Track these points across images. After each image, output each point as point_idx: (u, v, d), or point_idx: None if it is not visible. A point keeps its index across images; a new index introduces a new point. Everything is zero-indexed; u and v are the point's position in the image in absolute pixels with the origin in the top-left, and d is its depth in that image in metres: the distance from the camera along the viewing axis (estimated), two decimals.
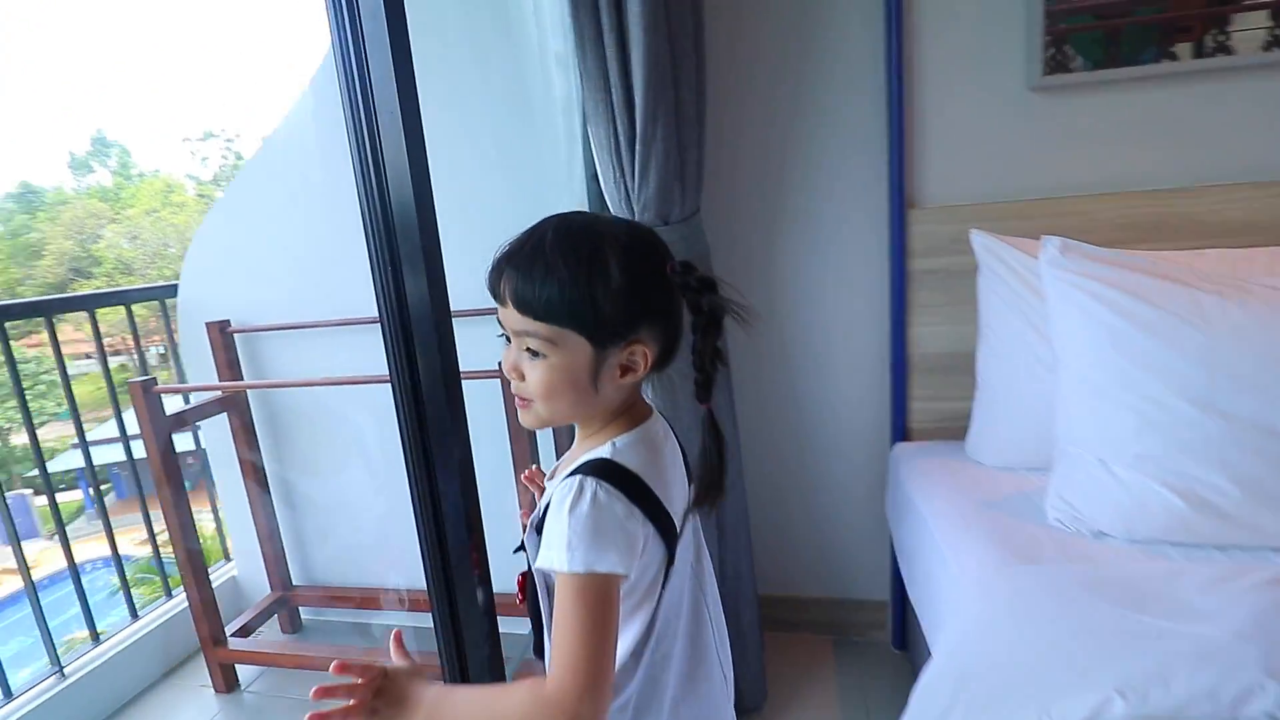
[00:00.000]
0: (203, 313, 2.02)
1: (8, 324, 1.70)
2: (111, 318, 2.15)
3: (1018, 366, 1.31)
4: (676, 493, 0.72)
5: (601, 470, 0.65)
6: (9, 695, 1.71)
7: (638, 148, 1.21)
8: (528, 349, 0.65)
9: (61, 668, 1.81)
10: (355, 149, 0.71)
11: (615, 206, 1.31)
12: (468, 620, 0.84)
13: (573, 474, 0.66)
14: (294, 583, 2.20)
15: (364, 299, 0.77)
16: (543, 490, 0.89)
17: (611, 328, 0.63)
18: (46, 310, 1.78)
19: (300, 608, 2.21)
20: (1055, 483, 1.16)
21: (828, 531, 1.77)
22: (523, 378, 0.67)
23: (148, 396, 1.71)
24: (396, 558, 2.02)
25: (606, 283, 0.62)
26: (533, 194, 1.61)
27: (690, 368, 0.68)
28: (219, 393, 2.00)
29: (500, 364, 0.71)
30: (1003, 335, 1.34)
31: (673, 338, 0.69)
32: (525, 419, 0.70)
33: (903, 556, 1.45)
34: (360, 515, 2.09)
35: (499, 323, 0.67)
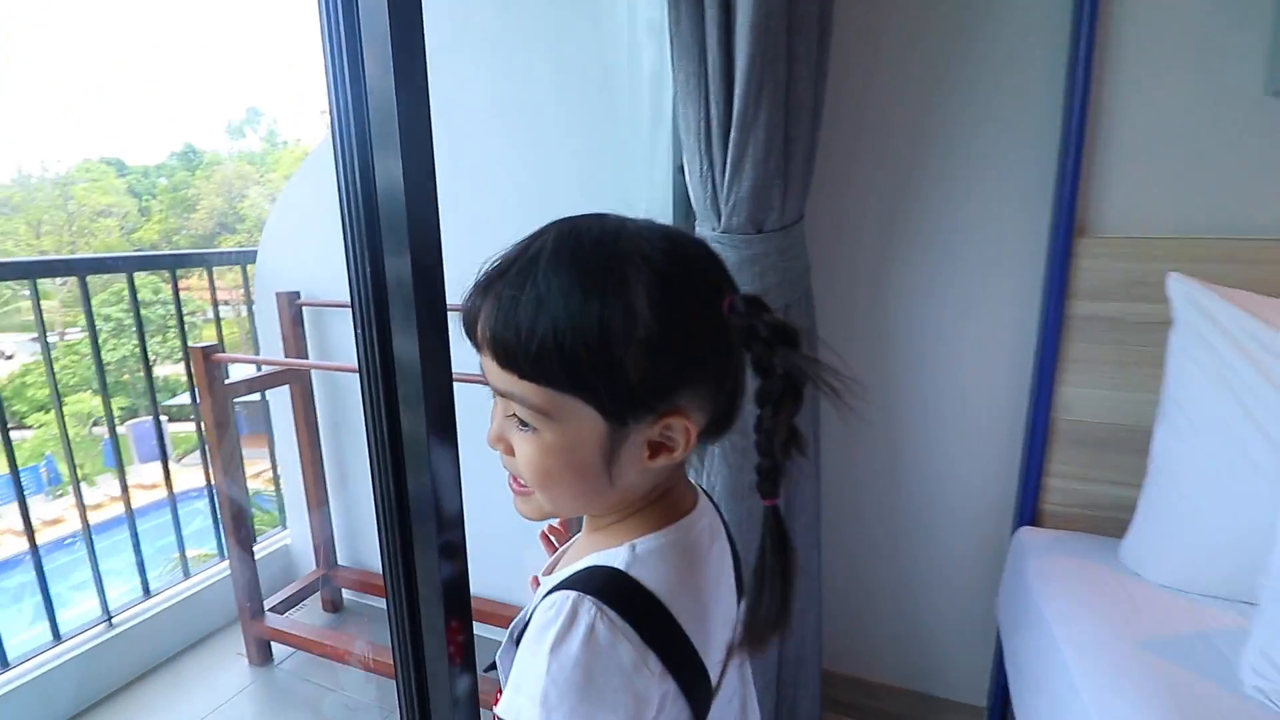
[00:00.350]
0: (277, 282, 1.99)
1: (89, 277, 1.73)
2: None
3: (1217, 462, 0.97)
4: (718, 626, 0.50)
5: (607, 589, 0.44)
6: (58, 638, 1.75)
7: (733, 134, 0.98)
8: (514, 415, 0.45)
9: (110, 617, 1.84)
10: (335, 105, 0.54)
11: (700, 206, 1.09)
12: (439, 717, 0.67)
13: (566, 584, 0.46)
14: (339, 562, 2.16)
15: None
16: (552, 569, 0.69)
17: (636, 395, 0.42)
18: (125, 267, 1.79)
19: (343, 589, 2.17)
20: (1260, 636, 0.83)
21: (916, 613, 1.47)
22: (510, 451, 0.48)
23: (207, 363, 1.68)
24: None
25: (630, 327, 0.41)
26: (609, 185, 1.42)
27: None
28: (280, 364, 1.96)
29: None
30: (1199, 417, 1.00)
31: (729, 403, 0.47)
32: (522, 508, 0.51)
33: (1014, 669, 1.14)
34: None
35: (482, 370, 0.48)
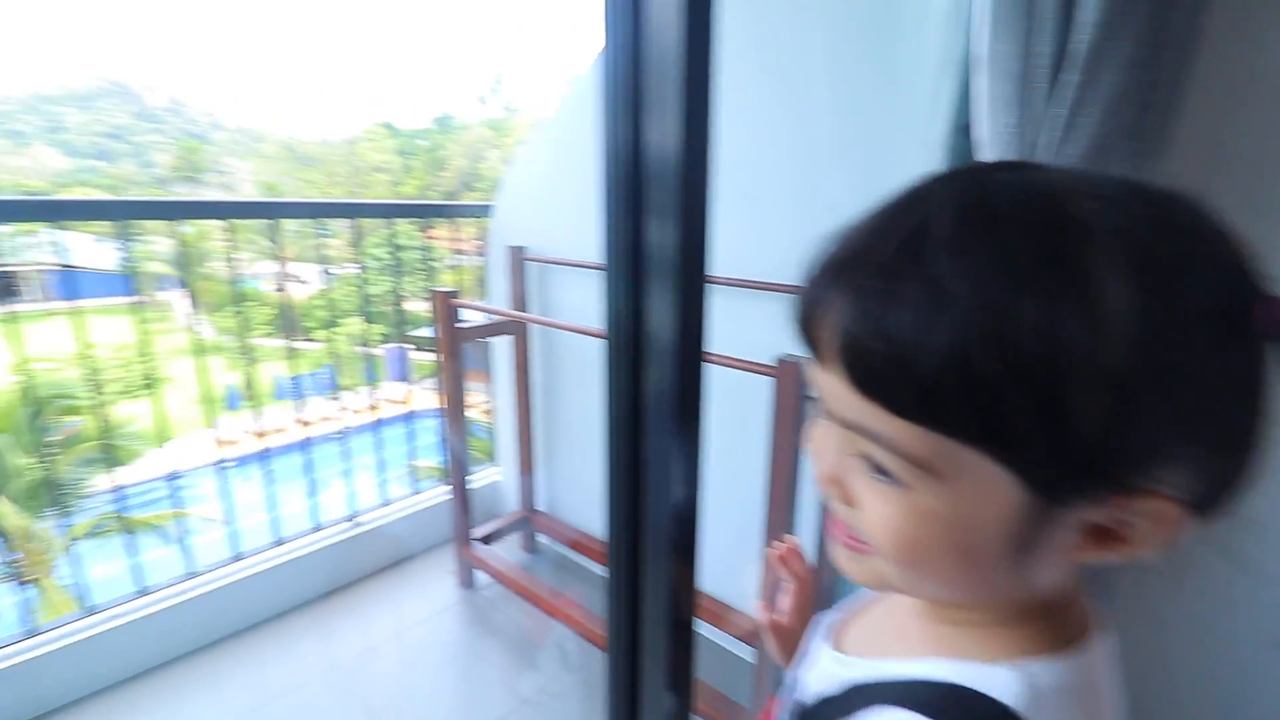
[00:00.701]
0: (507, 235, 2.10)
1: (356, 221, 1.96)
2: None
3: None
4: None
5: None
6: (318, 528, 2.07)
7: (1075, 75, 0.75)
8: (867, 457, 0.32)
9: (355, 515, 2.14)
10: (610, 51, 0.45)
11: None
12: None
13: (911, 701, 0.32)
14: (537, 508, 2.28)
15: None
16: (802, 616, 0.58)
17: (1089, 457, 0.27)
18: (391, 214, 2.00)
19: (538, 533, 2.30)
20: None
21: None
22: (851, 500, 0.34)
23: (446, 306, 1.82)
24: None
25: (1092, 344, 0.25)
26: (875, 148, 1.22)
27: None
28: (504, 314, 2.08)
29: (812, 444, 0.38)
30: None
31: (1233, 474, 0.29)
32: (851, 568, 0.37)
33: None
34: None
35: (817, 387, 0.35)
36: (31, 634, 1.59)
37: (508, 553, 2.23)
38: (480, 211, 2.29)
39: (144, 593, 1.75)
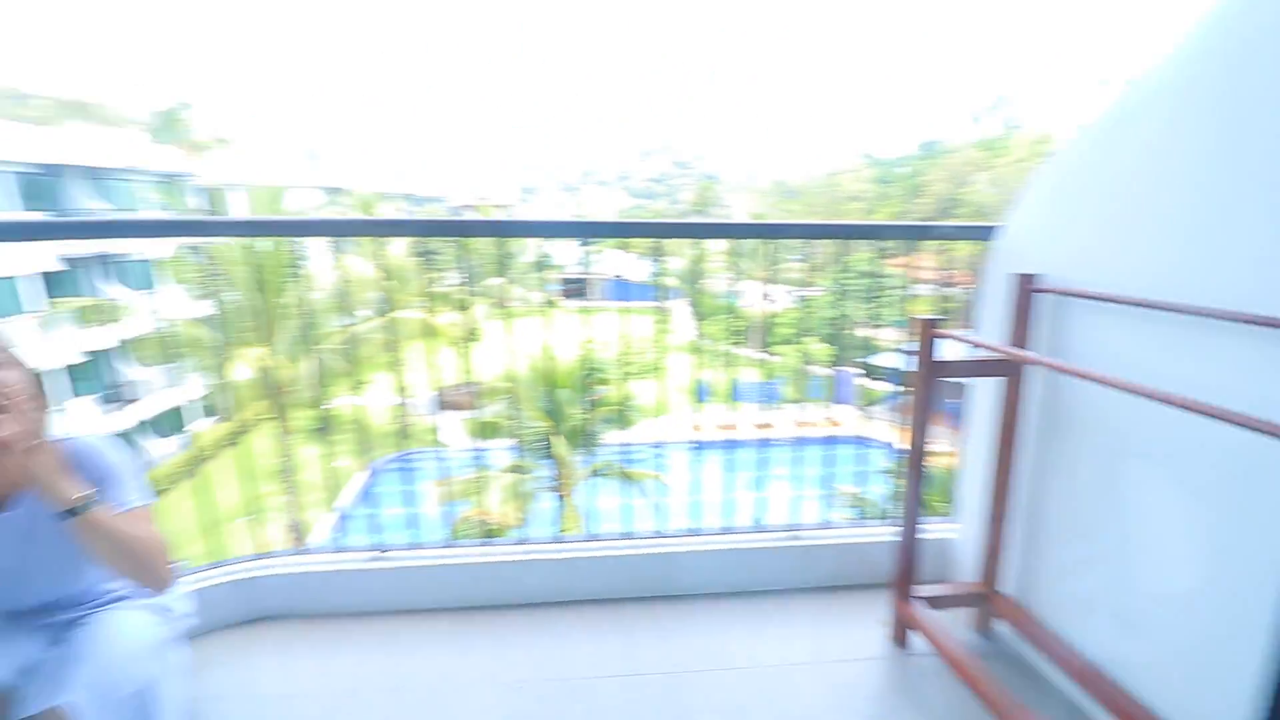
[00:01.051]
0: (1013, 262, 1.77)
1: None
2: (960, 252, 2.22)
3: None
4: None
5: None
6: (760, 528, 2.16)
7: None
8: None
9: (795, 527, 2.16)
10: None
11: None
12: None
13: None
14: (1001, 588, 1.88)
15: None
16: None
17: None
18: (877, 235, 1.92)
19: (996, 618, 1.89)
20: None
21: None
22: None
23: (928, 335, 1.64)
24: (1179, 683, 1.40)
25: None
26: None
27: None
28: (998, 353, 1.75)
29: None
30: None
31: None
32: None
33: None
34: (1136, 581, 1.49)
35: None
36: (557, 540, 2.11)
37: (953, 624, 1.91)
38: (976, 234, 2.01)
39: (628, 536, 2.13)
